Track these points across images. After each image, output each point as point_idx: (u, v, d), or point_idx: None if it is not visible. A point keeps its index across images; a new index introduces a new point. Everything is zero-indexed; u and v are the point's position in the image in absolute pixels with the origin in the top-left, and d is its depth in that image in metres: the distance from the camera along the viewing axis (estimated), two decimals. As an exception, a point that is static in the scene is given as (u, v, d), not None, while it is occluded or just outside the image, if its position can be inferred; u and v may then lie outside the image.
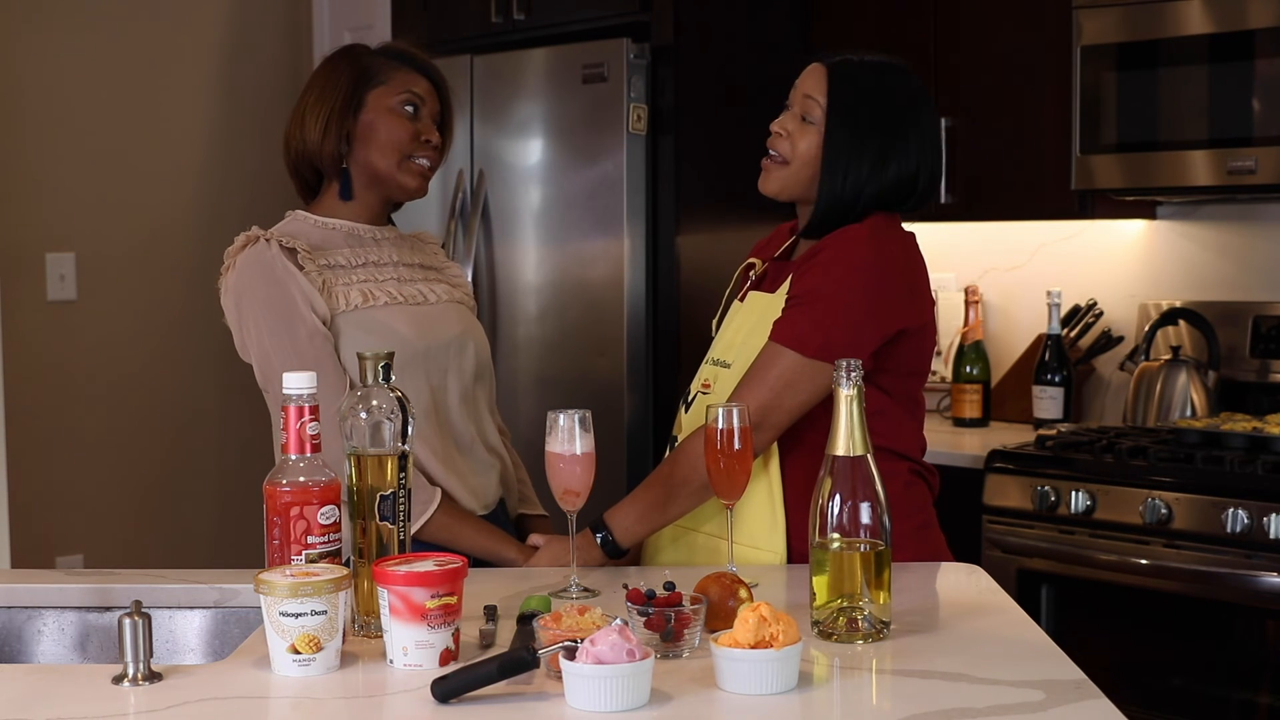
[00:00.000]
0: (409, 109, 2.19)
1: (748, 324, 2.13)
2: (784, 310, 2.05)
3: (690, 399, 2.18)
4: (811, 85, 2.10)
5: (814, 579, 1.70)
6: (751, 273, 2.24)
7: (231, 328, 2.15)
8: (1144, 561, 2.93)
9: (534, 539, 2.15)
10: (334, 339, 2.10)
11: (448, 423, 2.19)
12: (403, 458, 1.73)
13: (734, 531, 2.04)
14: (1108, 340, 3.67)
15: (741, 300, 2.20)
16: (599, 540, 2.04)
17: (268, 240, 2.11)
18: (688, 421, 2.14)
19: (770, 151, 2.13)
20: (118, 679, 1.53)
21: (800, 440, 2.03)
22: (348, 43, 2.33)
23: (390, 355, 1.74)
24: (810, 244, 2.13)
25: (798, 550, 2.03)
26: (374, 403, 1.71)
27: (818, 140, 2.08)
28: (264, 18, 4.70)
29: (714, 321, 2.29)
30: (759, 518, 2.06)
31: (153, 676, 1.54)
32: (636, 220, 3.62)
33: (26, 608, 1.92)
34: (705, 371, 2.18)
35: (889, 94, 2.09)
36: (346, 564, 1.72)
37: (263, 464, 2.13)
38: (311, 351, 2.06)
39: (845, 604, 1.67)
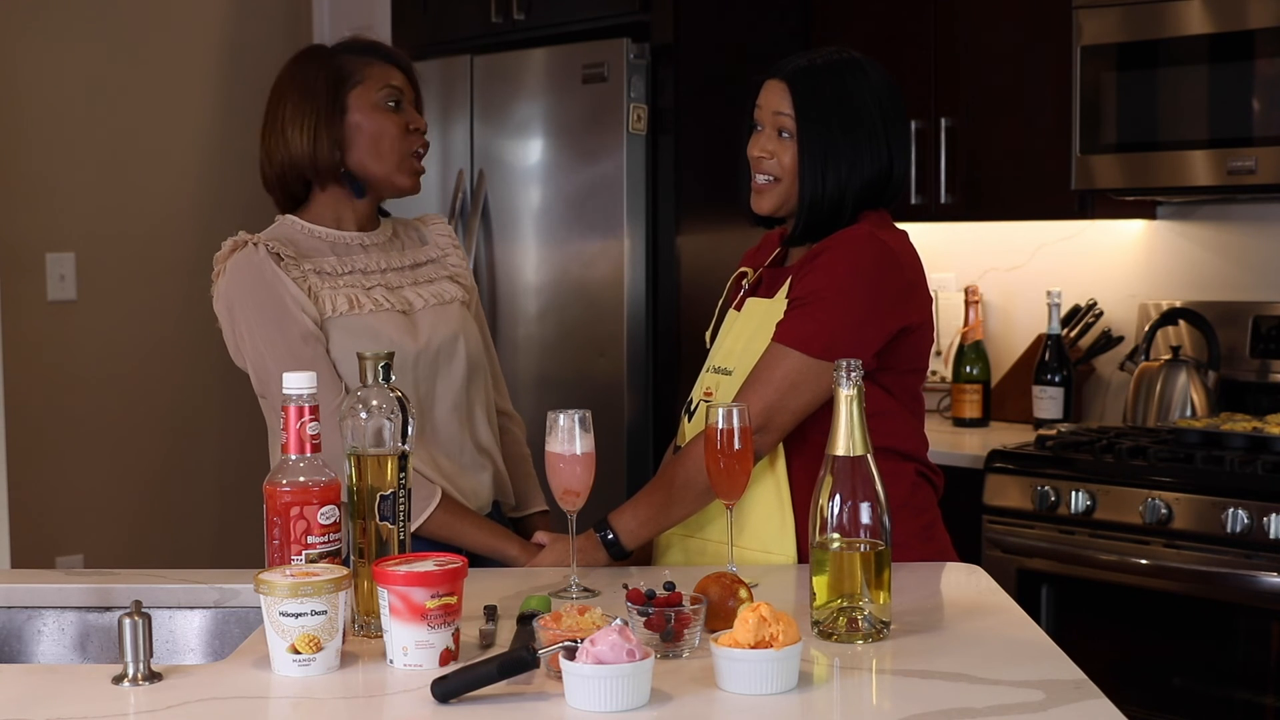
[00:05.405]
0: (391, 103, 2.16)
1: (748, 330, 2.12)
2: (787, 312, 2.05)
3: (692, 408, 2.17)
4: (776, 102, 2.11)
5: (814, 579, 1.70)
6: (744, 281, 2.24)
7: (225, 334, 2.14)
8: (1144, 561, 2.93)
9: (539, 536, 2.14)
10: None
11: (434, 430, 2.17)
12: (403, 458, 1.72)
13: (743, 537, 2.04)
14: (1108, 340, 3.67)
15: (738, 309, 2.20)
16: (603, 541, 2.04)
17: (255, 245, 2.09)
18: (690, 430, 2.14)
19: (758, 177, 2.14)
20: (118, 679, 1.54)
21: (807, 442, 2.03)
22: (305, 46, 2.27)
23: (390, 355, 1.74)
24: (804, 249, 2.13)
25: (808, 552, 2.03)
26: (374, 403, 1.71)
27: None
28: (264, 18, 4.70)
29: (708, 333, 2.28)
30: (768, 521, 2.06)
31: (153, 676, 1.54)
32: (636, 220, 3.62)
33: (26, 608, 1.92)
34: (706, 380, 2.17)
35: (852, 92, 2.09)
36: (346, 563, 1.72)
37: (262, 464, 2.13)
38: (307, 353, 2.05)
39: (845, 604, 1.68)
